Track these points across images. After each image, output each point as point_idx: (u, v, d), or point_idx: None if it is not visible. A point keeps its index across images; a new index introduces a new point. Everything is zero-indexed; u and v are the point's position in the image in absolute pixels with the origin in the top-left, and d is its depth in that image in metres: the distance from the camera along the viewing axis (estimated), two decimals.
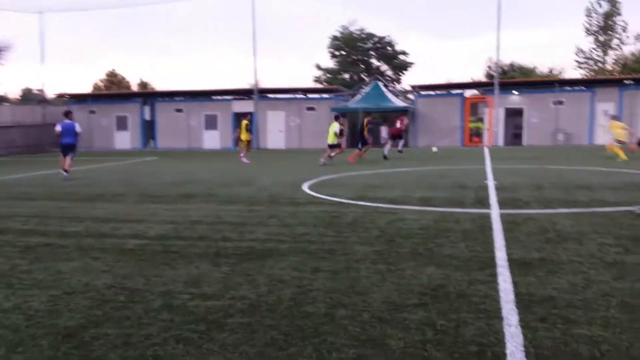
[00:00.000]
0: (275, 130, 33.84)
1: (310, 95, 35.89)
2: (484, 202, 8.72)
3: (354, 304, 4.02)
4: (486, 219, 7.28)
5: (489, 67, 49.46)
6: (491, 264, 5.02)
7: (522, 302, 3.97)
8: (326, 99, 34.59)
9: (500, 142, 29.30)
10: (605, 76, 35.18)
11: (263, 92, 35.37)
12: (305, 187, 11.42)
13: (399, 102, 32.74)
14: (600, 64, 50.38)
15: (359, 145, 20.66)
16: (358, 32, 52.78)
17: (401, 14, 76.65)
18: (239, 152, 21.55)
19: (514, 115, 29.77)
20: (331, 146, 18.96)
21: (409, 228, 6.74)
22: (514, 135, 29.78)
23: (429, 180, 12.18)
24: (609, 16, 49.14)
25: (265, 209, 8.55)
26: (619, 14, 49.09)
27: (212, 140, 34.43)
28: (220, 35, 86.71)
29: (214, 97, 36.32)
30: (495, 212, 7.73)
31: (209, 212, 8.35)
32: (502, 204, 8.48)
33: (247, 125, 20.98)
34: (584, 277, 4.54)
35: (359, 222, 7.21)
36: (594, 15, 50.19)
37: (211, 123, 34.55)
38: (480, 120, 30.89)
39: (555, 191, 9.89)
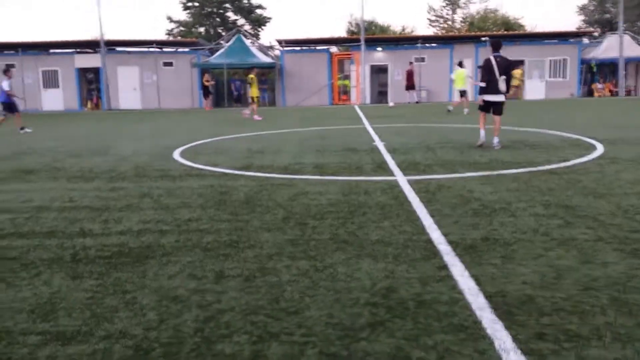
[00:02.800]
0: (129, 88, 30.79)
1: (167, 49, 33.01)
2: (384, 168, 7.93)
3: (288, 332, 2.87)
4: (396, 188, 6.45)
5: (350, 23, 49.59)
6: (433, 250, 4.13)
7: (499, 307, 3.10)
8: (185, 52, 32.06)
9: (368, 100, 29.30)
10: (463, 34, 36.54)
11: (111, 45, 31.78)
12: (176, 155, 9.85)
13: (264, 58, 31.34)
14: (449, 22, 52.86)
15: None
16: None
17: None
18: (245, 112, 19.32)
19: (378, 72, 29.83)
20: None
21: (317, 205, 5.68)
22: (380, 92, 29.93)
23: (313, 143, 11.20)
24: None
25: (132, 186, 6.97)
26: None
27: (53, 100, 30.45)
28: None
29: (52, 51, 31.98)
30: (402, 179, 6.94)
31: (58, 194, 6.59)
32: (403, 169, 7.74)
33: (252, 79, 19.19)
34: (547, 262, 3.81)
35: (255, 199, 6.00)
36: None
37: (51, 80, 30.44)
38: (347, 77, 30.59)
39: (449, 152, 9.43)
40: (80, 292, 3.49)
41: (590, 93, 31.07)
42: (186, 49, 33.02)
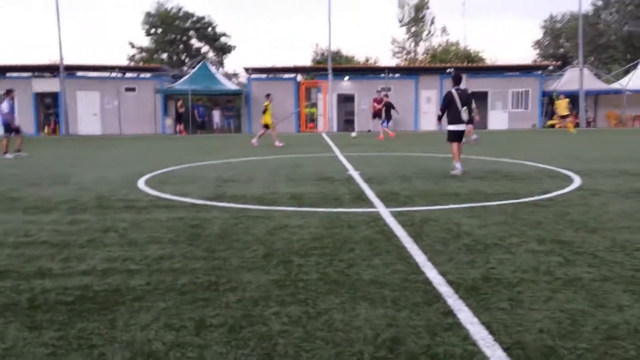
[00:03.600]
0: (88, 114, 29.87)
1: (129, 75, 32.31)
2: (363, 198, 7.61)
3: None
4: (380, 220, 6.13)
5: (316, 52, 49.90)
6: (433, 292, 3.80)
7: None
8: (148, 79, 31.42)
9: (335, 128, 29.21)
10: (428, 65, 37.10)
11: (71, 69, 30.91)
12: (141, 183, 9.32)
13: (230, 85, 30.97)
14: (412, 54, 53.82)
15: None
16: (175, 10, 49.46)
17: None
18: (253, 142, 18.81)
19: (345, 101, 29.86)
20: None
21: (299, 240, 5.28)
22: (346, 121, 29.92)
23: (286, 171, 10.82)
24: (419, 9, 52.57)
25: (94, 219, 6.43)
26: (428, 7, 52.83)
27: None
28: (21, 8, 75.72)
29: (9, 75, 30.90)
30: (384, 211, 6.63)
31: (13, 227, 6.00)
32: (384, 199, 7.43)
33: (266, 106, 18.88)
34: (558, 306, 3.52)
35: (231, 233, 5.56)
36: (405, 6, 53.37)
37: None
38: (314, 105, 30.50)
39: (425, 182, 9.20)
40: (39, 346, 2.99)
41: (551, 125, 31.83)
42: (149, 75, 32.39)
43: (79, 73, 31.90)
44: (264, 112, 18.90)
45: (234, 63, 64.36)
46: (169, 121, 29.98)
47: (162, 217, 6.45)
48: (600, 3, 50.57)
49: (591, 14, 48.33)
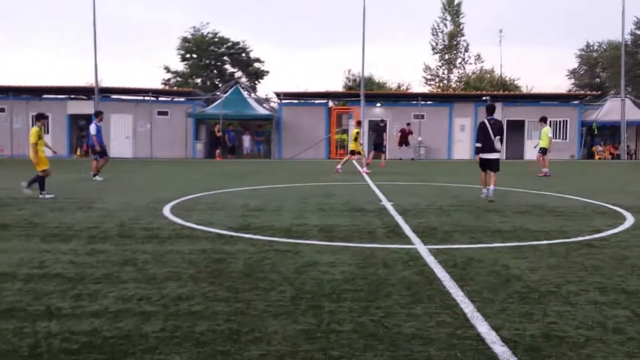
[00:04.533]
0: (121, 137, 30.11)
1: (162, 98, 32.59)
2: (398, 233, 7.11)
3: None
4: (418, 259, 5.62)
5: (348, 78, 49.78)
6: (488, 354, 3.27)
7: None
8: (180, 102, 31.61)
9: (366, 154, 28.74)
10: (462, 92, 36.50)
11: (105, 92, 31.32)
12: (166, 210, 9.00)
13: (261, 110, 30.92)
14: (445, 81, 53.27)
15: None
16: (210, 36, 50.12)
17: (251, 24, 75.39)
18: (338, 167, 18.55)
19: (377, 127, 29.41)
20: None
21: (330, 280, 4.82)
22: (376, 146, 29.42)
23: (316, 201, 10.39)
24: (453, 36, 52.16)
25: (114, 249, 6.08)
26: (462, 35, 52.39)
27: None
28: (59, 33, 78.13)
29: (45, 96, 31.44)
30: (422, 249, 6.12)
31: (28, 256, 5.68)
32: (421, 235, 6.92)
33: (357, 133, 18.99)
34: None
35: (257, 270, 5.13)
36: (439, 34, 53.05)
37: None
38: (345, 132, 30.17)
39: (465, 215, 8.65)
40: None
41: (590, 155, 30.76)
42: (182, 99, 32.61)
43: (114, 96, 32.31)
44: (355, 139, 19.01)
45: (266, 88, 64.78)
46: (200, 145, 30.00)
47: (185, 249, 6.07)
48: (639, 32, 49.39)
49: (630, 44, 47.19)
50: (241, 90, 31.99)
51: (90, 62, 36.02)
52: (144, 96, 30.86)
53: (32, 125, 13.70)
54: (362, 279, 4.88)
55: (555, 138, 29.85)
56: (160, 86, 47.84)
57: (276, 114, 30.69)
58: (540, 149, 17.82)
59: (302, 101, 32.01)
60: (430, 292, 4.50)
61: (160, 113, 30.35)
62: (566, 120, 29.75)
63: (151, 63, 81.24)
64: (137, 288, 4.57)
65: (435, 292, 4.50)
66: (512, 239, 6.72)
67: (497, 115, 10.96)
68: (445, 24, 52.65)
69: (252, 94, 35.10)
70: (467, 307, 4.11)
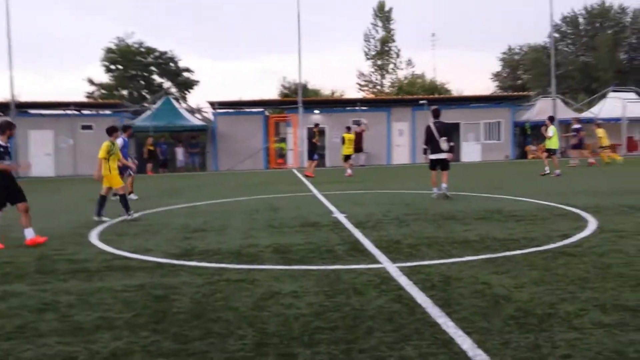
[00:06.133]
0: (41, 154, 28.04)
1: (86, 112, 30.69)
2: (360, 250, 6.46)
3: None
4: (391, 282, 4.98)
5: (283, 86, 49.16)
6: None
7: None
8: (106, 115, 29.86)
9: (305, 163, 28.11)
10: (400, 97, 36.53)
11: (22, 107, 29.13)
12: (94, 236, 7.96)
13: (195, 120, 29.70)
14: (379, 87, 53.67)
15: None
16: (136, 46, 48.19)
17: (181, 34, 73.52)
18: (348, 172, 19.47)
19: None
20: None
21: (297, 316, 4.08)
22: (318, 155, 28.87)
23: (263, 216, 9.59)
24: (385, 42, 52.67)
25: (30, 290, 5.08)
26: (393, 40, 52.98)
27: None
28: None
29: None
30: (391, 268, 5.49)
31: None
32: (385, 251, 6.30)
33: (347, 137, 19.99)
34: None
35: (208, 310, 4.31)
36: (371, 40, 53.44)
37: None
38: (283, 140, 29.44)
39: (425, 224, 8.14)
40: None
41: (523, 155, 31.46)
42: (108, 112, 30.83)
43: (32, 111, 30.14)
44: (343, 142, 20.04)
45: (197, 98, 63.00)
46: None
47: (118, 285, 5.15)
48: (557, 35, 51.66)
49: (549, 46, 49.22)
50: (172, 100, 30.64)
51: (6, 75, 33.47)
52: (64, 110, 28.92)
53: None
54: (334, 311, 4.18)
55: (490, 139, 30.41)
56: (84, 99, 45.38)
57: (211, 124, 29.56)
58: (547, 149, 18.00)
59: (237, 110, 31.03)
60: (416, 324, 3.85)
61: (84, 127, 28.52)
62: (499, 122, 30.32)
63: (74, 76, 77.46)
64: (60, 343, 3.66)
65: (422, 324, 3.85)
66: (483, 251, 6.22)
67: (430, 118, 11.77)
68: (377, 30, 53.16)
69: (184, 104, 33.76)
70: (464, 342, 3.49)
